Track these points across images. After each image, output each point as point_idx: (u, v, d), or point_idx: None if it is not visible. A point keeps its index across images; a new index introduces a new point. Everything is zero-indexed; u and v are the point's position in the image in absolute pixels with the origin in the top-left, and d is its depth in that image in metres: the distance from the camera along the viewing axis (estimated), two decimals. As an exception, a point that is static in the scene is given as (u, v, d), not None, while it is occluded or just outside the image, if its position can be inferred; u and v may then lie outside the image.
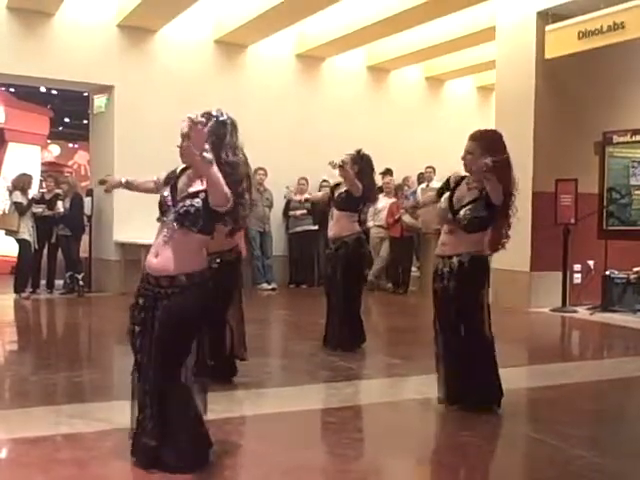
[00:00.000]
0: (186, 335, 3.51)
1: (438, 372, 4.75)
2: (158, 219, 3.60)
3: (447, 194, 4.69)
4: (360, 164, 6.51)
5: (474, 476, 3.80)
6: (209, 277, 3.59)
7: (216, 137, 3.52)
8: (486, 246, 4.64)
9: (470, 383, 4.61)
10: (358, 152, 6.59)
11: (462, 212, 4.53)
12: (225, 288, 5.06)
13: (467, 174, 4.68)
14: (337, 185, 6.72)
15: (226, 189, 3.35)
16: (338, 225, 6.58)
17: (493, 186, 4.39)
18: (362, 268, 6.95)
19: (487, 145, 4.51)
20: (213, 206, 3.40)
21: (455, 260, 4.56)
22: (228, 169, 3.48)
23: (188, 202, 3.45)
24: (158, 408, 3.48)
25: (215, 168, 3.29)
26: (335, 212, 6.60)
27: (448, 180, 4.82)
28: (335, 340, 6.55)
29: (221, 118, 3.59)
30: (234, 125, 3.63)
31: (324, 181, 11.43)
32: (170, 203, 3.54)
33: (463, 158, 4.61)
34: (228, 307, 5.25)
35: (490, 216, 4.51)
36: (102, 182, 4.79)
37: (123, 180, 4.50)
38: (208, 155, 3.23)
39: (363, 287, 6.85)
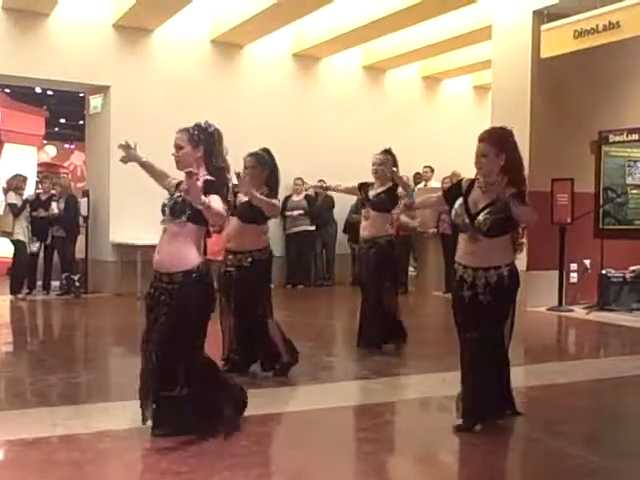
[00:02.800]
0: (191, 326, 3.90)
1: (463, 387, 4.39)
2: (161, 222, 3.99)
3: (461, 198, 4.40)
4: (396, 164, 6.38)
5: (471, 474, 3.80)
6: (206, 272, 3.94)
7: (207, 146, 4.01)
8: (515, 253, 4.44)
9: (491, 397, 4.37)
10: (389, 151, 6.47)
11: (481, 217, 4.22)
12: (257, 285, 5.42)
13: (477, 177, 4.45)
14: (366, 184, 6.60)
15: (221, 210, 3.80)
16: (374, 226, 6.46)
17: (521, 213, 4.21)
18: (394, 269, 6.76)
19: (500, 144, 4.27)
20: (215, 224, 3.92)
21: (494, 273, 4.24)
22: (217, 173, 3.95)
23: (176, 194, 3.93)
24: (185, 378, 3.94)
25: (209, 202, 3.69)
26: (371, 213, 6.44)
27: (459, 183, 4.54)
28: (367, 339, 6.54)
29: (209, 130, 4.05)
30: (220, 135, 4.08)
31: (320, 181, 11.42)
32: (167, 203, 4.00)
33: (477, 162, 4.31)
34: (262, 303, 5.50)
35: (510, 217, 4.24)
36: (125, 147, 4.41)
37: (144, 159, 4.42)
38: (205, 201, 3.66)
39: (396, 288, 6.76)
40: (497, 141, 4.27)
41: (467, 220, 4.28)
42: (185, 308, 3.87)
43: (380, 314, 6.48)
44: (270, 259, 5.59)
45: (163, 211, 3.99)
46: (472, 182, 4.41)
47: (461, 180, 4.60)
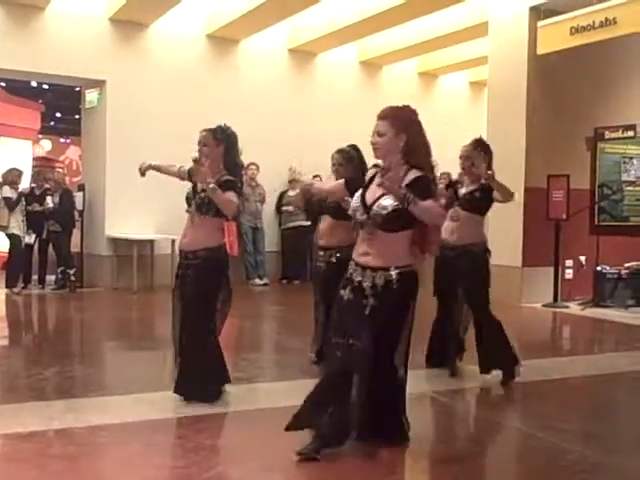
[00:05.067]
0: (208, 295, 4.54)
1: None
2: (186, 211, 4.67)
3: (361, 190, 3.86)
4: (488, 152, 5.48)
5: (465, 470, 3.81)
6: (225, 255, 4.59)
7: (227, 144, 4.62)
8: (414, 253, 3.76)
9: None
10: (480, 141, 5.55)
11: (375, 207, 3.67)
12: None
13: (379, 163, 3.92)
14: (453, 181, 5.69)
15: (231, 198, 4.43)
16: (464, 229, 5.42)
17: (421, 212, 3.56)
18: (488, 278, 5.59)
19: (401, 123, 3.74)
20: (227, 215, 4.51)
21: (381, 275, 3.67)
22: (233, 168, 4.60)
23: (203, 194, 4.51)
24: (189, 353, 4.54)
25: (219, 191, 4.35)
26: (462, 213, 5.40)
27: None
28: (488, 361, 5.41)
29: (228, 132, 4.66)
30: (236, 136, 4.69)
31: (316, 176, 11.43)
32: (192, 197, 4.64)
33: (373, 142, 3.77)
34: None
35: (409, 212, 3.61)
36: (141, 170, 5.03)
37: (153, 164, 5.01)
38: (212, 185, 4.32)
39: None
40: (398, 119, 3.75)
41: (363, 214, 3.73)
42: (200, 279, 4.51)
43: (494, 332, 5.45)
44: None
45: (188, 202, 4.65)
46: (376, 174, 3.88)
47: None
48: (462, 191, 5.50)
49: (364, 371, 3.66)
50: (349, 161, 5.41)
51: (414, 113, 3.84)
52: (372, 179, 3.86)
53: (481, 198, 5.41)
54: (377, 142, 3.74)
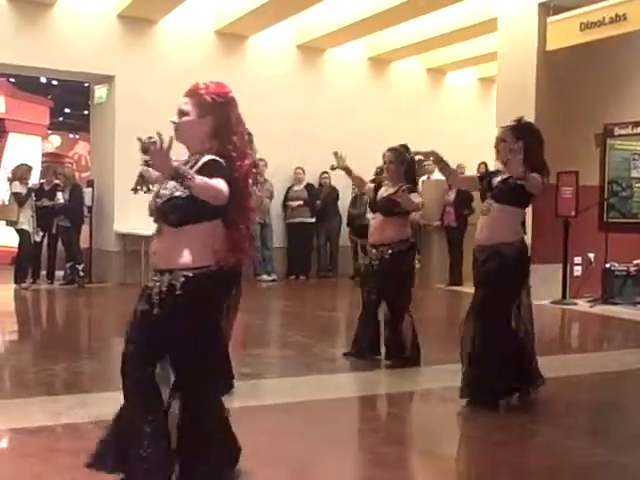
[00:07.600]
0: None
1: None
2: None
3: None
4: (526, 138, 4.78)
5: (471, 467, 3.81)
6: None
7: None
8: (219, 255, 2.95)
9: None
10: (519, 122, 4.84)
11: (162, 190, 3.02)
12: (397, 276, 5.55)
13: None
14: (490, 172, 5.21)
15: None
16: (494, 225, 4.60)
17: (195, 185, 2.80)
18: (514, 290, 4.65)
19: (210, 105, 3.09)
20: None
21: (168, 278, 2.97)
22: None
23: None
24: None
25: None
26: (493, 206, 4.63)
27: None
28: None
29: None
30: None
31: (324, 173, 11.43)
32: None
33: (174, 122, 3.11)
34: (407, 291, 5.63)
35: (192, 201, 2.86)
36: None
37: None
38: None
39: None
40: (205, 98, 3.10)
41: (152, 204, 3.08)
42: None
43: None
44: (411, 250, 5.74)
45: None
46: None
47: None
48: (496, 180, 4.72)
49: (139, 397, 2.99)
50: (401, 159, 5.57)
51: (227, 92, 3.18)
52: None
53: (517, 186, 4.57)
54: (177, 123, 3.07)
